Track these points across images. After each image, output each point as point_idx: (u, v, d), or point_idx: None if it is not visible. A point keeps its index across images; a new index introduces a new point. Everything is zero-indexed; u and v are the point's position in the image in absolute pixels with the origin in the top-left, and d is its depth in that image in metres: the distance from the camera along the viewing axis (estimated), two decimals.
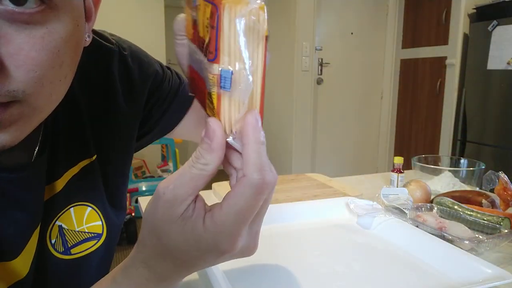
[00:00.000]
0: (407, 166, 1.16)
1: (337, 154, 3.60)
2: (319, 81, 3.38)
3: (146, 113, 0.61)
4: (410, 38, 3.44)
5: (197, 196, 0.31)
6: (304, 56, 3.15)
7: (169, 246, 0.31)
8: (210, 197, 1.07)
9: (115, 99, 0.55)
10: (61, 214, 0.51)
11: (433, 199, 0.94)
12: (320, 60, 3.34)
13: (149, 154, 3.38)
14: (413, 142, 3.51)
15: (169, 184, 0.30)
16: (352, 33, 3.46)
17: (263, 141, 0.29)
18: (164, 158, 3.42)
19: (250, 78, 0.28)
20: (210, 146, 0.29)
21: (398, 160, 1.13)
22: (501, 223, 0.79)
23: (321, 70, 3.38)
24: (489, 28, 2.61)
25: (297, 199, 1.01)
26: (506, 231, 0.77)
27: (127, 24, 3.27)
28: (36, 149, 0.46)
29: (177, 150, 3.15)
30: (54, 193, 0.50)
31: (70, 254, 0.52)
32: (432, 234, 0.74)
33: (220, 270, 0.61)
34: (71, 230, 0.52)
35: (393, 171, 1.13)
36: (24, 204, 0.44)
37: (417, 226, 0.79)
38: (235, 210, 0.29)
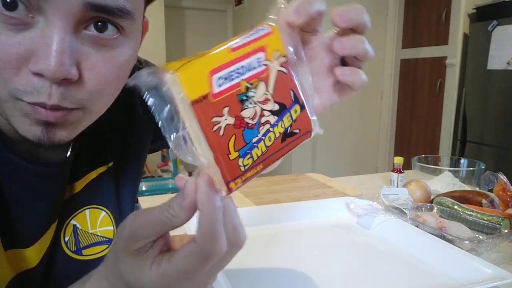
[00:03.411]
0: (407, 166, 1.16)
1: (337, 154, 3.60)
2: None
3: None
4: (410, 38, 3.44)
5: (160, 237, 0.32)
6: None
7: (121, 272, 0.32)
8: None
9: (134, 108, 0.60)
10: (77, 214, 0.54)
11: (433, 199, 0.94)
12: None
13: (149, 154, 3.38)
14: (413, 142, 3.51)
15: (136, 219, 0.31)
16: None
17: (218, 206, 0.29)
18: (164, 158, 3.42)
19: (182, 143, 0.28)
20: (181, 203, 0.30)
21: (398, 160, 1.13)
22: (501, 223, 0.79)
23: None
24: (489, 28, 2.61)
25: (297, 199, 1.01)
26: (506, 231, 0.77)
27: None
28: (69, 150, 0.50)
29: None
30: (73, 193, 0.53)
31: (81, 254, 0.55)
32: (432, 234, 0.74)
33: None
34: (85, 231, 0.55)
35: (393, 171, 1.13)
36: (47, 198, 0.48)
37: (417, 226, 0.79)
38: (178, 269, 0.30)
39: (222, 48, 0.29)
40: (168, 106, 0.28)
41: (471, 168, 1.16)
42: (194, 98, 0.27)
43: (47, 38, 0.34)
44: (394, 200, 0.89)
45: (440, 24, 3.08)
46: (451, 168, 1.16)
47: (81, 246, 0.55)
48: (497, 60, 2.59)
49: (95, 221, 0.56)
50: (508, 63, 2.52)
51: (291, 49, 0.32)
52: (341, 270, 0.65)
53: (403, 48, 3.52)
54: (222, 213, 0.30)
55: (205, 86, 0.27)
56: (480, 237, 0.74)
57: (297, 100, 0.32)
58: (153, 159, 3.43)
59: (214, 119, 0.28)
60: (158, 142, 0.69)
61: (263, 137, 0.30)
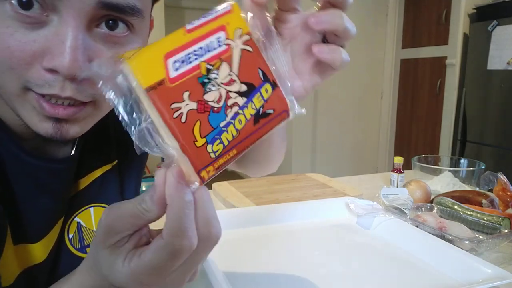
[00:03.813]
0: (407, 166, 1.16)
1: (337, 154, 3.60)
2: None
3: None
4: (410, 38, 3.44)
5: (136, 231, 0.31)
6: None
7: (100, 265, 0.32)
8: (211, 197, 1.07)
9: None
10: (81, 212, 0.54)
11: (433, 199, 0.94)
12: None
13: (149, 154, 3.38)
14: (413, 142, 3.51)
15: (112, 212, 0.30)
16: None
17: (188, 200, 0.28)
18: (164, 158, 3.42)
19: (147, 135, 0.27)
20: (152, 197, 0.29)
21: (398, 160, 1.13)
22: (501, 223, 0.79)
23: None
24: (489, 28, 2.61)
25: (297, 199, 1.01)
26: (506, 231, 0.77)
27: None
28: (74, 147, 0.51)
29: None
30: (77, 190, 0.54)
31: (85, 252, 0.55)
32: (432, 234, 0.74)
33: (220, 270, 0.61)
34: (89, 229, 0.55)
35: (393, 171, 1.13)
36: (55, 194, 0.49)
37: (417, 226, 0.79)
38: (147, 265, 0.30)
39: (177, 31, 0.28)
40: (125, 97, 0.26)
41: (471, 168, 1.16)
42: (148, 85, 0.26)
43: (62, 36, 0.35)
44: (394, 200, 0.89)
45: (440, 24, 3.08)
46: (451, 168, 1.16)
47: (85, 244, 0.55)
48: (497, 60, 2.59)
49: (98, 219, 0.55)
50: (508, 63, 2.52)
51: (257, 27, 0.30)
52: (341, 270, 0.65)
53: (403, 48, 3.52)
54: (194, 206, 0.29)
55: (160, 72, 0.26)
56: (480, 237, 0.74)
57: (267, 79, 0.30)
58: (153, 159, 3.42)
59: (174, 105, 0.26)
60: None
61: (232, 120, 0.28)
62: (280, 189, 1.11)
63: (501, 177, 0.89)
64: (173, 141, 0.27)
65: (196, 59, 0.27)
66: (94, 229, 0.55)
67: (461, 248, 0.69)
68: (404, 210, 0.85)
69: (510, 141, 2.56)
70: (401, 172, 1.11)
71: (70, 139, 0.41)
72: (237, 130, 0.28)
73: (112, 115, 0.46)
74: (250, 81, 0.29)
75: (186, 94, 0.26)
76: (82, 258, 0.52)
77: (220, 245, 0.77)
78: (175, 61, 0.26)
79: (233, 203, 0.98)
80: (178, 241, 0.28)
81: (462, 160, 1.24)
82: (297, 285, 0.61)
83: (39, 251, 0.49)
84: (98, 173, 0.56)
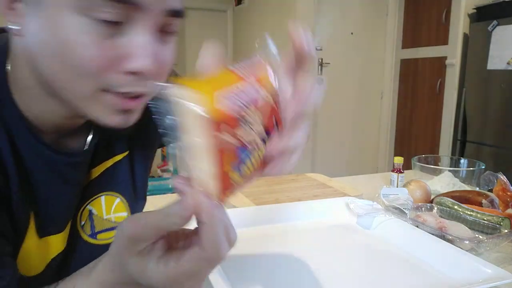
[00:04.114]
0: (407, 166, 1.16)
1: (337, 154, 3.60)
2: (319, 81, 3.38)
3: None
4: (410, 38, 3.44)
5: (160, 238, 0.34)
6: None
7: (129, 271, 0.34)
8: None
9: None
10: (92, 200, 0.57)
11: (433, 199, 0.94)
12: (320, 60, 3.34)
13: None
14: (413, 142, 3.51)
15: (136, 223, 0.32)
16: (352, 33, 3.46)
17: (220, 218, 0.33)
18: (164, 158, 3.42)
19: (181, 154, 0.31)
20: (183, 215, 0.31)
21: (398, 160, 1.13)
22: (501, 223, 0.79)
23: (321, 70, 3.38)
24: (489, 28, 2.61)
25: (297, 199, 1.01)
26: (506, 231, 0.77)
27: None
28: (89, 139, 0.53)
29: None
30: (90, 179, 0.56)
31: (96, 239, 0.58)
32: (432, 234, 0.74)
33: (220, 270, 0.61)
34: (100, 217, 0.58)
35: (393, 171, 1.13)
36: (74, 185, 0.52)
37: (417, 226, 0.79)
38: (185, 271, 0.33)
39: (224, 70, 0.34)
40: (172, 116, 0.30)
41: (471, 168, 1.16)
42: (198, 114, 0.29)
43: (142, 43, 0.39)
44: (394, 200, 0.89)
45: (440, 24, 3.08)
46: (451, 168, 1.16)
47: (96, 231, 0.57)
48: (497, 60, 2.59)
49: (109, 207, 0.59)
50: (508, 63, 2.52)
51: (275, 80, 0.36)
52: (341, 270, 0.65)
53: (403, 48, 3.52)
54: None
55: (210, 103, 0.30)
56: (480, 237, 0.74)
57: (277, 127, 0.36)
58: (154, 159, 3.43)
59: (216, 135, 0.30)
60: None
61: (251, 157, 0.34)
62: (280, 189, 1.11)
63: (501, 177, 0.89)
64: (208, 166, 0.31)
65: (238, 101, 0.32)
66: (105, 217, 0.58)
67: (461, 248, 0.69)
68: (404, 210, 0.85)
69: (510, 141, 2.56)
70: (401, 172, 1.11)
71: (129, 125, 0.45)
72: (252, 165, 0.34)
73: None
74: (268, 128, 0.35)
75: (225, 127, 0.31)
76: (94, 245, 0.57)
77: None
78: (223, 97, 0.31)
79: (233, 203, 0.98)
80: (216, 252, 0.33)
81: (462, 160, 1.24)
82: (297, 285, 0.61)
83: (60, 241, 0.52)
84: (109, 163, 0.58)
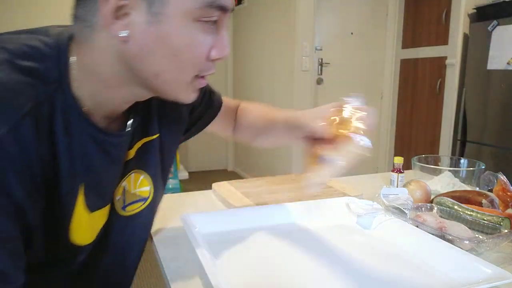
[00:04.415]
0: (407, 166, 1.16)
1: None
2: (319, 81, 3.38)
3: (193, 112, 0.78)
4: (410, 38, 3.44)
5: None
6: (304, 56, 3.15)
7: None
8: (211, 197, 1.07)
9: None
10: (126, 177, 0.64)
11: (433, 199, 0.94)
12: (320, 60, 3.34)
13: None
14: (413, 142, 3.51)
15: None
16: (352, 33, 3.46)
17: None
18: None
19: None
20: None
21: (398, 160, 1.13)
22: (501, 223, 0.79)
23: (321, 70, 3.38)
24: (489, 28, 2.61)
25: (297, 199, 1.01)
26: (506, 231, 0.77)
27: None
28: (130, 122, 0.60)
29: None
30: (127, 160, 0.63)
31: (125, 211, 0.65)
32: (432, 234, 0.74)
33: (220, 270, 0.61)
34: (129, 191, 0.65)
35: (393, 171, 1.13)
36: (117, 163, 0.59)
37: (417, 226, 0.79)
38: None
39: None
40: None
41: (471, 168, 1.16)
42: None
43: (223, 37, 0.52)
44: (394, 200, 0.89)
45: (440, 24, 3.08)
46: (451, 168, 1.16)
47: (125, 203, 0.65)
48: (497, 60, 2.59)
49: (136, 182, 0.66)
50: (508, 63, 2.52)
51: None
52: (341, 270, 0.65)
53: (403, 48, 3.52)
54: None
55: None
56: (480, 237, 0.74)
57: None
58: None
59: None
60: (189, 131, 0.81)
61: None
62: (280, 189, 1.11)
63: (501, 177, 0.89)
64: None
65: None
66: (132, 191, 0.65)
67: (461, 248, 0.69)
68: (404, 210, 0.85)
69: (510, 141, 2.56)
70: (401, 172, 1.11)
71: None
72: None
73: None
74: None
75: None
76: (124, 216, 0.65)
77: (220, 245, 0.77)
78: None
79: (233, 203, 0.98)
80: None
81: (462, 160, 1.24)
82: (297, 285, 0.61)
83: (105, 214, 0.60)
84: (141, 143, 0.65)
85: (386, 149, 3.78)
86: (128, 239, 0.67)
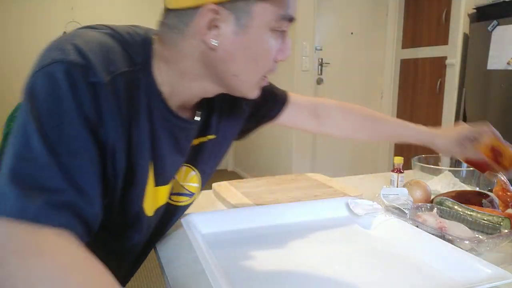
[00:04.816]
0: (407, 166, 1.16)
1: (337, 154, 3.60)
2: (319, 81, 3.38)
3: (256, 110, 0.83)
4: (410, 38, 3.44)
5: None
6: (304, 56, 3.15)
7: None
8: (211, 197, 1.07)
9: (240, 100, 0.75)
10: (179, 170, 0.71)
11: (433, 199, 0.94)
12: (320, 60, 3.34)
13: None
14: None
15: None
16: (352, 33, 3.46)
17: None
18: None
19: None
20: None
21: (398, 160, 1.13)
22: (501, 223, 0.79)
23: (321, 70, 3.37)
24: (489, 28, 2.61)
25: (297, 199, 1.01)
26: (506, 231, 0.77)
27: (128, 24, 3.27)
28: (199, 114, 0.68)
29: None
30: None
31: (170, 199, 0.72)
32: (432, 234, 0.74)
33: (220, 270, 0.61)
34: (177, 181, 0.72)
35: (393, 171, 1.13)
36: (182, 151, 0.67)
37: (417, 226, 0.79)
38: None
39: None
40: None
41: (471, 168, 1.16)
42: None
43: (288, 42, 0.61)
44: (394, 200, 0.89)
45: (440, 24, 3.08)
46: (451, 168, 1.16)
47: (172, 192, 0.72)
48: (497, 60, 2.59)
49: (186, 176, 0.73)
50: (508, 63, 2.52)
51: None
52: (341, 270, 0.65)
53: (403, 48, 3.52)
54: None
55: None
56: (480, 237, 0.74)
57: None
58: None
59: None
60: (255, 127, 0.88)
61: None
62: (280, 189, 1.11)
63: (501, 177, 0.89)
64: None
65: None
66: (180, 182, 0.73)
67: (461, 248, 0.69)
68: (404, 210, 0.85)
69: (510, 141, 2.56)
70: (401, 172, 1.11)
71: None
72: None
73: (218, 98, 0.69)
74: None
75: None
76: (167, 203, 0.71)
77: (220, 245, 0.77)
78: None
79: (233, 203, 0.98)
80: None
81: None
82: (297, 285, 0.61)
83: (165, 194, 0.68)
84: (198, 141, 0.71)
85: (386, 149, 3.78)
86: (167, 226, 0.77)
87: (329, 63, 3.38)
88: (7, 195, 0.42)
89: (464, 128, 0.86)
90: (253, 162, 4.02)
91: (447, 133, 0.87)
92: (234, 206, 0.96)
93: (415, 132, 0.89)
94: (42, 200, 0.43)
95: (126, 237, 0.65)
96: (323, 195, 1.06)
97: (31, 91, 0.47)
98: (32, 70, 0.49)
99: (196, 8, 0.53)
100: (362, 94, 3.63)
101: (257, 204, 0.97)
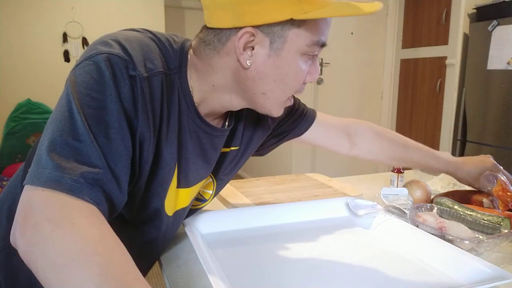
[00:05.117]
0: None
1: (337, 154, 3.59)
2: (319, 81, 3.38)
3: (281, 127, 0.86)
4: (410, 38, 3.44)
5: None
6: None
7: None
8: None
9: (265, 117, 0.78)
10: None
11: (433, 199, 0.94)
12: (320, 60, 3.34)
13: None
14: None
15: None
16: (352, 33, 3.46)
17: None
18: None
19: None
20: None
21: None
22: (501, 223, 0.79)
23: (321, 70, 3.38)
24: (489, 28, 2.61)
25: (297, 199, 1.01)
26: (506, 231, 0.77)
27: (127, 24, 3.27)
28: (226, 123, 0.71)
29: None
30: None
31: (191, 204, 0.73)
32: (432, 234, 0.74)
33: (220, 270, 0.61)
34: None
35: (393, 171, 1.13)
36: (207, 159, 0.68)
37: (417, 226, 0.79)
38: None
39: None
40: None
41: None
42: None
43: (317, 66, 0.63)
44: (394, 200, 0.89)
45: (440, 24, 3.08)
46: None
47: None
48: (497, 60, 2.59)
49: (204, 182, 0.73)
50: (508, 63, 2.52)
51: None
52: (341, 270, 0.65)
53: (403, 48, 3.52)
54: None
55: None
56: (480, 237, 0.74)
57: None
58: None
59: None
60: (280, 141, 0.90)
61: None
62: (280, 189, 1.11)
63: (501, 177, 0.89)
64: None
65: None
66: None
67: (461, 248, 0.69)
68: (404, 210, 0.85)
69: (510, 141, 2.56)
70: (401, 172, 1.11)
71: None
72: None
73: (246, 111, 0.72)
74: None
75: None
76: (188, 208, 0.73)
77: (220, 245, 0.77)
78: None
79: (233, 203, 0.98)
80: None
81: None
82: (297, 285, 0.61)
83: (186, 196, 0.69)
84: (222, 151, 0.73)
85: None
86: (176, 225, 0.76)
87: (329, 63, 3.38)
88: (45, 165, 0.45)
89: (486, 165, 0.93)
90: (253, 162, 4.02)
91: (470, 167, 0.93)
92: (234, 206, 0.96)
93: (442, 163, 0.94)
94: (78, 173, 0.45)
95: (144, 231, 0.66)
96: (323, 195, 1.06)
97: (75, 76, 0.51)
98: (78, 60, 0.53)
99: (234, 29, 0.57)
100: (362, 94, 3.63)
101: (257, 204, 0.97)
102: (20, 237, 0.42)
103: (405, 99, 3.56)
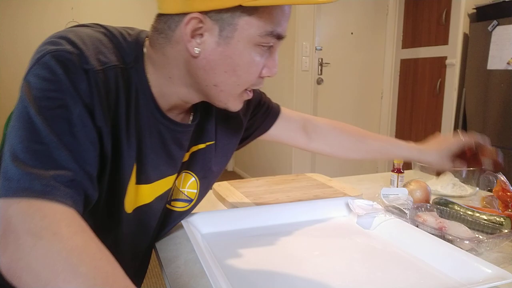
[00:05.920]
0: (407, 166, 1.16)
1: None
2: (319, 81, 3.38)
3: (250, 122, 0.85)
4: (410, 38, 3.44)
5: None
6: (304, 56, 3.15)
7: None
8: (211, 197, 1.07)
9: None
10: (178, 177, 0.72)
11: (433, 199, 0.94)
12: (320, 60, 3.34)
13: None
14: (413, 142, 3.50)
15: None
16: (352, 33, 3.46)
17: None
18: None
19: None
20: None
21: (398, 160, 1.13)
22: (502, 223, 0.79)
23: (321, 70, 3.37)
24: (489, 28, 2.61)
25: (297, 199, 1.01)
26: (506, 231, 0.77)
27: (127, 24, 3.26)
28: (191, 118, 0.70)
29: None
30: (183, 162, 0.71)
31: (170, 204, 0.74)
32: (432, 234, 0.74)
33: (220, 270, 0.61)
34: (177, 188, 0.74)
35: (393, 171, 1.13)
36: (170, 155, 0.66)
37: (417, 226, 0.79)
38: None
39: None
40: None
41: (471, 168, 1.16)
42: None
43: (275, 60, 0.61)
44: (394, 200, 0.89)
45: (440, 24, 3.08)
46: (451, 168, 1.16)
47: (172, 198, 0.74)
48: (497, 60, 2.59)
49: (186, 183, 0.74)
50: (508, 63, 2.52)
51: None
52: (341, 270, 0.65)
53: (403, 48, 3.52)
54: None
55: None
56: (480, 237, 0.74)
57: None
58: None
59: None
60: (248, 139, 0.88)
61: None
62: (280, 189, 1.11)
63: (501, 177, 0.89)
64: None
65: None
66: (180, 189, 0.74)
67: (461, 248, 0.69)
68: (404, 210, 0.85)
69: (510, 141, 2.56)
70: (401, 172, 1.11)
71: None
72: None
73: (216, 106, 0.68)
74: None
75: None
76: (167, 208, 0.73)
77: (220, 245, 0.77)
78: None
79: (233, 203, 0.98)
80: None
81: None
82: (297, 285, 0.61)
83: (147, 193, 0.66)
84: (196, 148, 0.73)
85: None
86: (163, 229, 0.77)
87: (329, 63, 3.38)
88: (12, 175, 0.43)
89: (449, 141, 0.85)
90: (253, 162, 4.02)
91: (437, 148, 0.85)
92: (234, 206, 0.96)
93: (404, 149, 0.88)
94: (48, 176, 0.44)
95: (106, 230, 0.64)
96: (323, 195, 1.06)
97: (28, 82, 0.49)
98: (29, 65, 0.51)
99: (182, 15, 0.54)
100: (362, 94, 3.63)
101: (257, 204, 0.97)
102: (2, 253, 0.40)
103: (405, 99, 3.56)
